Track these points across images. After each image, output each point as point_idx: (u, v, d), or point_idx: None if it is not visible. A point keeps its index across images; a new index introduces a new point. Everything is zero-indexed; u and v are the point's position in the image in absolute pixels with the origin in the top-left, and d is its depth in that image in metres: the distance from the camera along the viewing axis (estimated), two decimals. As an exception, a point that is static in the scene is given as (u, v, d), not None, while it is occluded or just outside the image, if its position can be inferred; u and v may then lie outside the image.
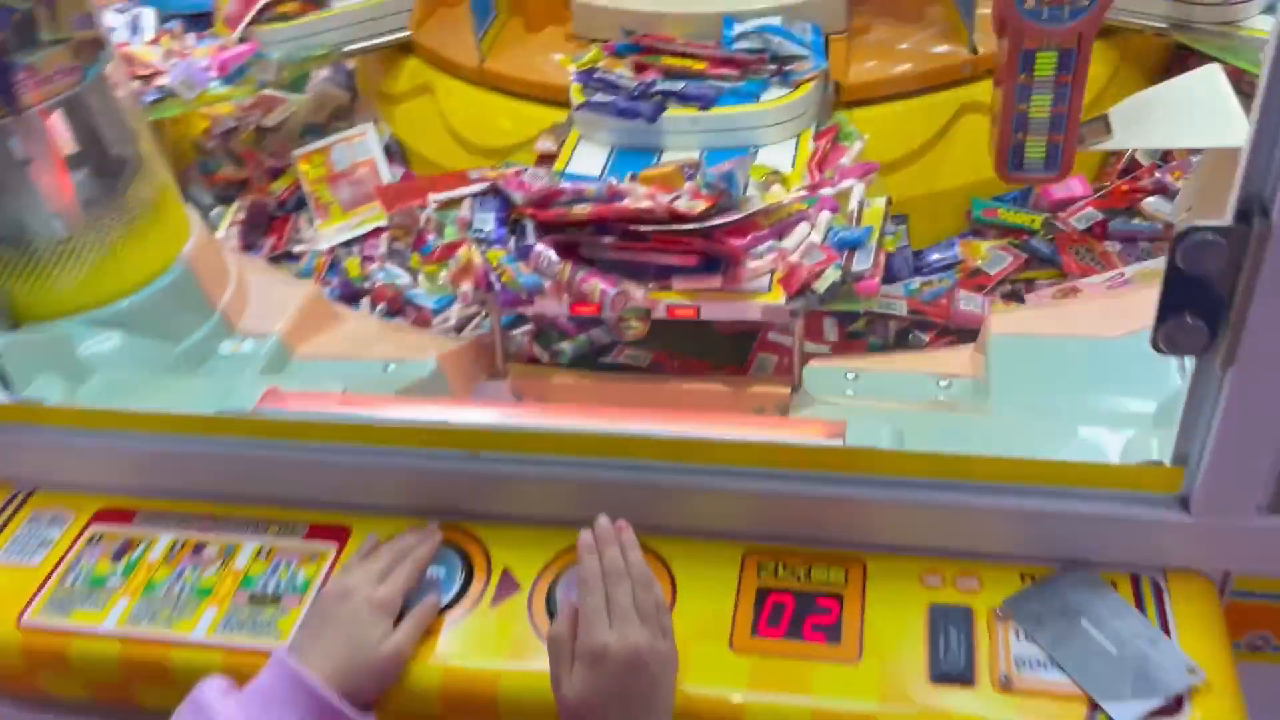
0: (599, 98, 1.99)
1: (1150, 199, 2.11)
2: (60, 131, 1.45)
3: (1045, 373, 1.40)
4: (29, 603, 1.20)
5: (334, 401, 1.35)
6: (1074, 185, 2.16)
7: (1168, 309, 0.90)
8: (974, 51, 2.14)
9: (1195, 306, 0.89)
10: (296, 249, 2.26)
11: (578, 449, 1.16)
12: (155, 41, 2.61)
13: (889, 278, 1.97)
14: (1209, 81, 1.92)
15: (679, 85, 1.98)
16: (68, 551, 1.25)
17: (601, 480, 1.15)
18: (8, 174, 1.42)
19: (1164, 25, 2.20)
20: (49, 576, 1.23)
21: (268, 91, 2.60)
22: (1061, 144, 1.84)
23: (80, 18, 1.41)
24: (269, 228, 2.33)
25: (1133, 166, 2.23)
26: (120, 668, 1.15)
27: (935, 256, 2.08)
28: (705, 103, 1.94)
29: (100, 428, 1.28)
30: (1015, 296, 1.99)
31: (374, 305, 2.07)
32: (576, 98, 2.01)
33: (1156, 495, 1.03)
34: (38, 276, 1.49)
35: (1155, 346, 0.92)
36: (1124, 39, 2.28)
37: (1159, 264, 1.95)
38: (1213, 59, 2.20)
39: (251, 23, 2.48)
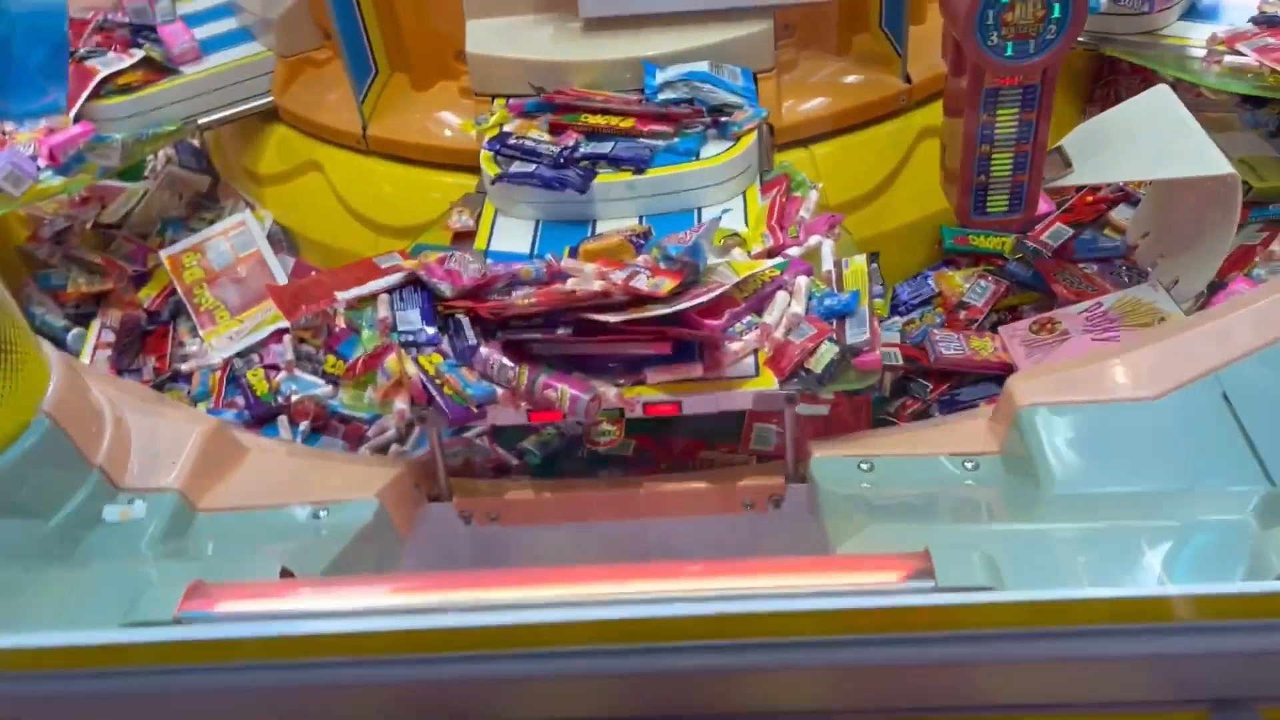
0: (517, 168, 1.74)
1: (1117, 208, 2.03)
2: None
3: (1096, 450, 1.24)
4: None
5: (275, 591, 1.07)
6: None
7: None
8: (908, 80, 2.01)
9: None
10: (184, 367, 1.94)
11: (594, 636, 0.92)
12: (-39, 133, 2.23)
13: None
14: (1162, 102, 1.83)
15: (607, 147, 1.75)
16: (-62, 846, 0.94)
17: (615, 672, 0.92)
18: None
19: (1087, 40, 2.12)
20: None
21: (103, 181, 2.25)
22: (1026, 184, 1.73)
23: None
24: (144, 345, 1.99)
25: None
26: None
27: (908, 294, 1.94)
28: (640, 165, 1.72)
29: (-33, 671, 0.97)
30: (996, 326, 1.89)
31: (294, 425, 1.77)
32: (490, 169, 1.76)
33: (1321, 619, 0.87)
34: None
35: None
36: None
37: (1137, 292, 1.87)
38: (1143, 69, 2.14)
39: (88, 99, 2.12)
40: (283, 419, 1.79)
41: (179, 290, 2.00)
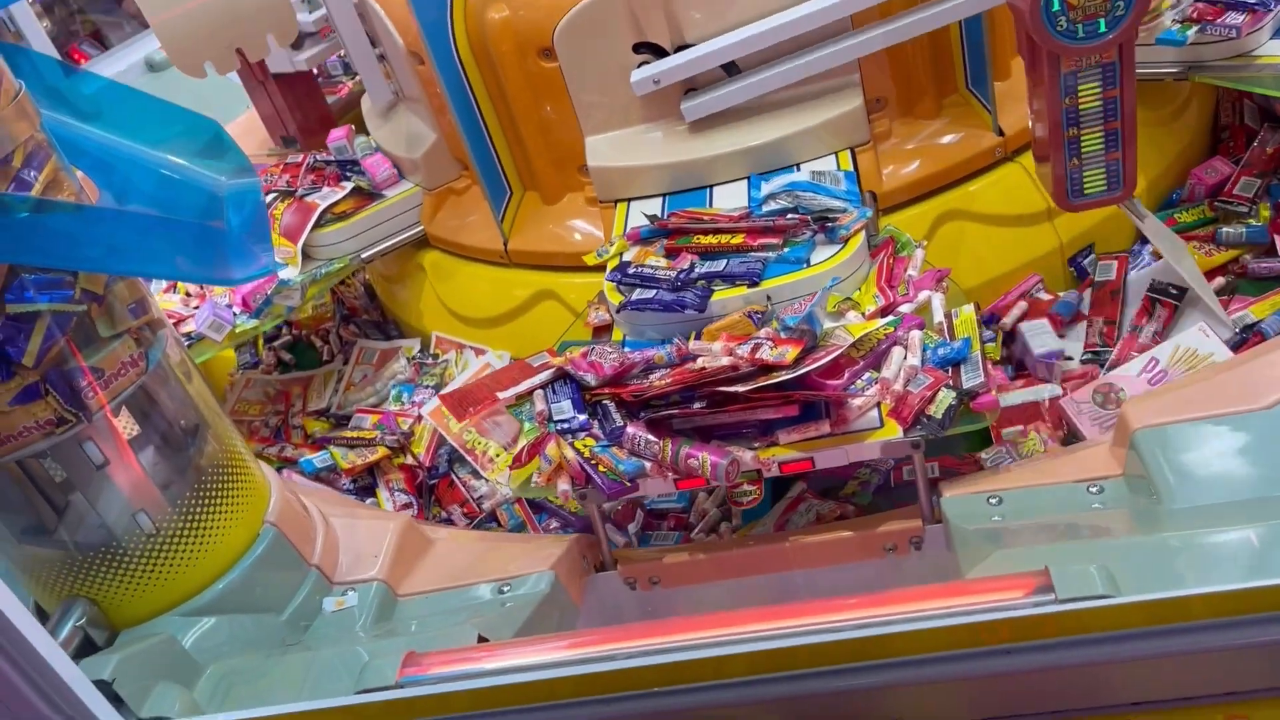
0: (639, 295, 1.85)
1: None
2: (130, 424, 1.38)
3: (1212, 463, 1.31)
4: None
5: (477, 655, 1.24)
6: (1216, 166, 2.24)
7: None
8: (1000, 133, 2.12)
9: None
10: (487, 506, 2.08)
11: (764, 666, 1.05)
12: (171, 289, 2.58)
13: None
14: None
15: (721, 265, 1.85)
16: None
17: (798, 694, 1.05)
18: (85, 481, 1.35)
19: (1178, 69, 2.18)
20: None
21: (288, 376, 2.64)
22: (1121, 160, 1.77)
23: (135, 305, 1.36)
24: (435, 497, 2.14)
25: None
26: None
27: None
28: (754, 278, 1.81)
29: (238, 738, 1.17)
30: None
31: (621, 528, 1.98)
32: (614, 298, 1.88)
33: None
34: (130, 578, 1.40)
35: None
36: (1142, 91, 2.24)
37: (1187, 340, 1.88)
38: (1240, 93, 2.18)
39: (312, 229, 2.43)
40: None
41: (452, 442, 2.11)
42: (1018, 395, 1.94)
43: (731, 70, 2.08)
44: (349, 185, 2.53)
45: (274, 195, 2.54)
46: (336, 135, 2.59)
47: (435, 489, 2.09)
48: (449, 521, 2.07)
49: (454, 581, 1.61)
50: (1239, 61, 2.15)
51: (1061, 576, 1.06)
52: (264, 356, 2.75)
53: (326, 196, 2.49)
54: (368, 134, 2.67)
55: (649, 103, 2.12)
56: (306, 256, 2.45)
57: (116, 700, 1.25)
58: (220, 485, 1.48)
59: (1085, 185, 1.78)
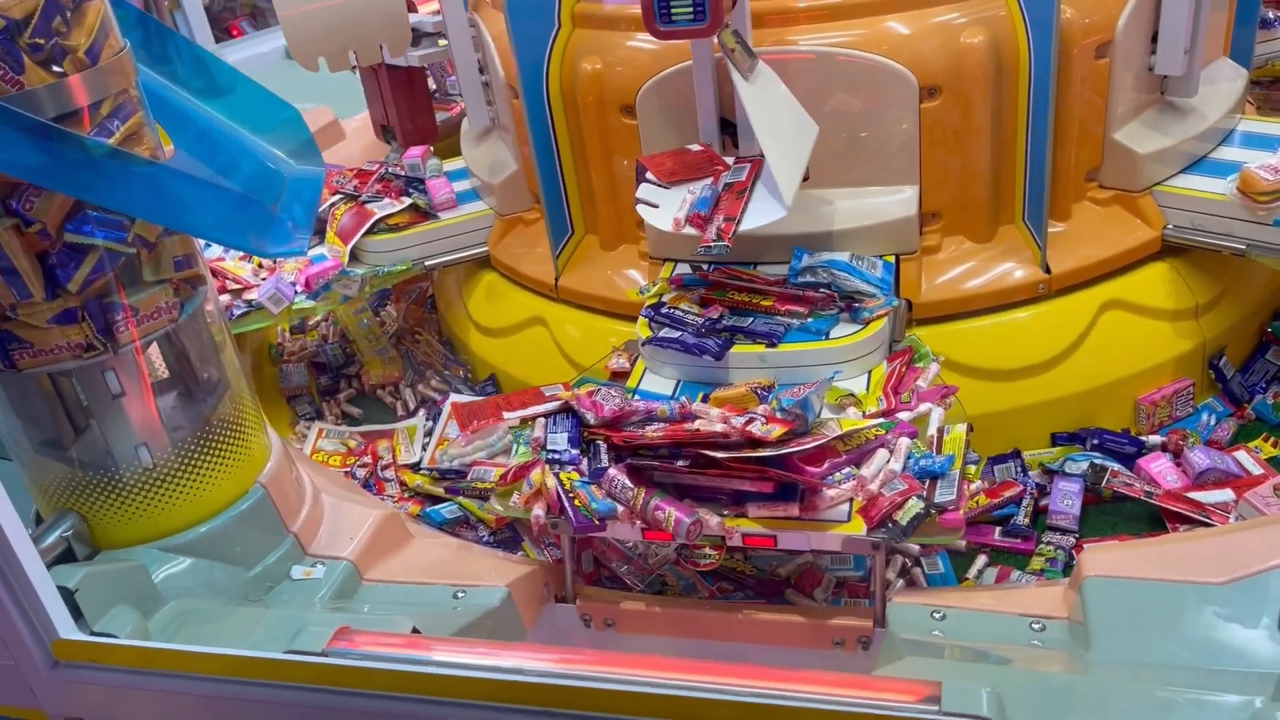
0: (666, 333, 1.98)
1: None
2: (154, 364, 1.50)
3: (1146, 622, 1.32)
4: None
5: (403, 643, 1.31)
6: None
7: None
8: (1046, 270, 2.15)
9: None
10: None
11: (653, 710, 1.10)
12: (247, 256, 2.73)
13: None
14: None
15: (747, 321, 1.97)
16: (125, 802, 1.21)
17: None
18: (100, 406, 1.46)
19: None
20: (104, 830, 1.18)
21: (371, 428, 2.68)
22: None
23: (181, 259, 1.48)
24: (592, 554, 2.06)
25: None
26: None
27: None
28: (773, 339, 1.92)
29: (164, 669, 1.26)
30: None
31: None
32: (643, 332, 2.01)
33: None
34: (119, 505, 1.51)
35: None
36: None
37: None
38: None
39: (364, 235, 2.58)
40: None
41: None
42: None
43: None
44: (407, 201, 2.67)
45: (340, 197, 2.70)
46: (413, 153, 2.75)
47: (590, 544, 2.02)
48: (618, 580, 1.99)
49: (416, 577, 1.68)
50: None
51: (952, 691, 1.09)
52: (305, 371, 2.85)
53: (385, 207, 2.65)
54: (446, 158, 2.82)
55: (713, 174, 2.20)
56: (354, 258, 2.61)
57: (76, 610, 1.35)
58: (223, 440, 1.59)
59: (674, 12, 1.82)
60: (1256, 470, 2.05)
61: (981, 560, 1.98)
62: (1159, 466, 2.07)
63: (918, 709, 1.07)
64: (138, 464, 1.50)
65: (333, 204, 2.68)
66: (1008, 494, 2.08)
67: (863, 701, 1.08)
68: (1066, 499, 2.03)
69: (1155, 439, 2.17)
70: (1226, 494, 1.96)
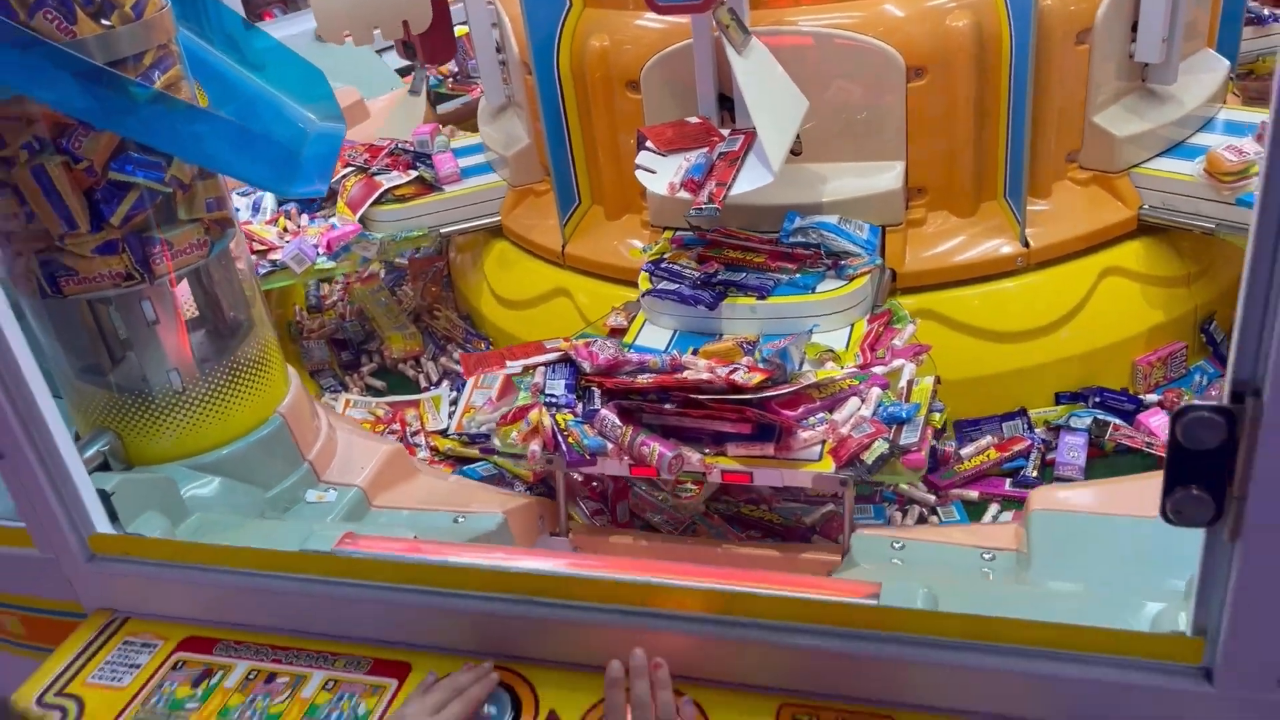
0: (664, 285, 2.13)
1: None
2: (185, 297, 1.64)
3: (1083, 549, 1.44)
4: (113, 721, 1.29)
5: (404, 546, 1.45)
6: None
7: (1174, 481, 0.96)
8: (1026, 245, 2.27)
9: (1201, 480, 0.95)
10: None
11: (624, 598, 1.23)
12: (273, 221, 2.88)
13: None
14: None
15: (739, 276, 2.12)
16: (153, 676, 1.35)
17: (647, 629, 1.22)
18: (137, 333, 1.61)
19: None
20: (134, 698, 1.32)
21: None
22: None
23: (213, 200, 1.62)
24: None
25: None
26: (190, 790, 1.23)
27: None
28: (763, 292, 2.07)
29: (190, 561, 1.40)
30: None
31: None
32: (643, 284, 2.17)
33: (1180, 666, 1.06)
34: (151, 423, 1.65)
35: (1165, 517, 0.98)
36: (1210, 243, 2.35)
37: None
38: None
39: (372, 204, 2.73)
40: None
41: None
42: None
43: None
44: (414, 174, 2.81)
45: (351, 169, 2.85)
46: (422, 130, 2.91)
47: (624, 495, 2.13)
48: (651, 529, 2.09)
49: (420, 505, 1.82)
50: None
51: (891, 589, 1.22)
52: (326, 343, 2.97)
53: (392, 179, 2.79)
54: (468, 134, 2.96)
55: (711, 147, 2.33)
56: (364, 226, 2.75)
57: (112, 513, 1.49)
58: (246, 372, 1.73)
59: None
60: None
61: (994, 509, 2.09)
62: (1157, 421, 2.19)
63: (858, 601, 1.20)
64: (169, 388, 1.65)
65: (344, 176, 2.83)
66: (1016, 448, 2.19)
67: (811, 595, 1.21)
68: (1073, 451, 2.15)
69: (1152, 397, 2.30)
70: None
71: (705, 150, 2.13)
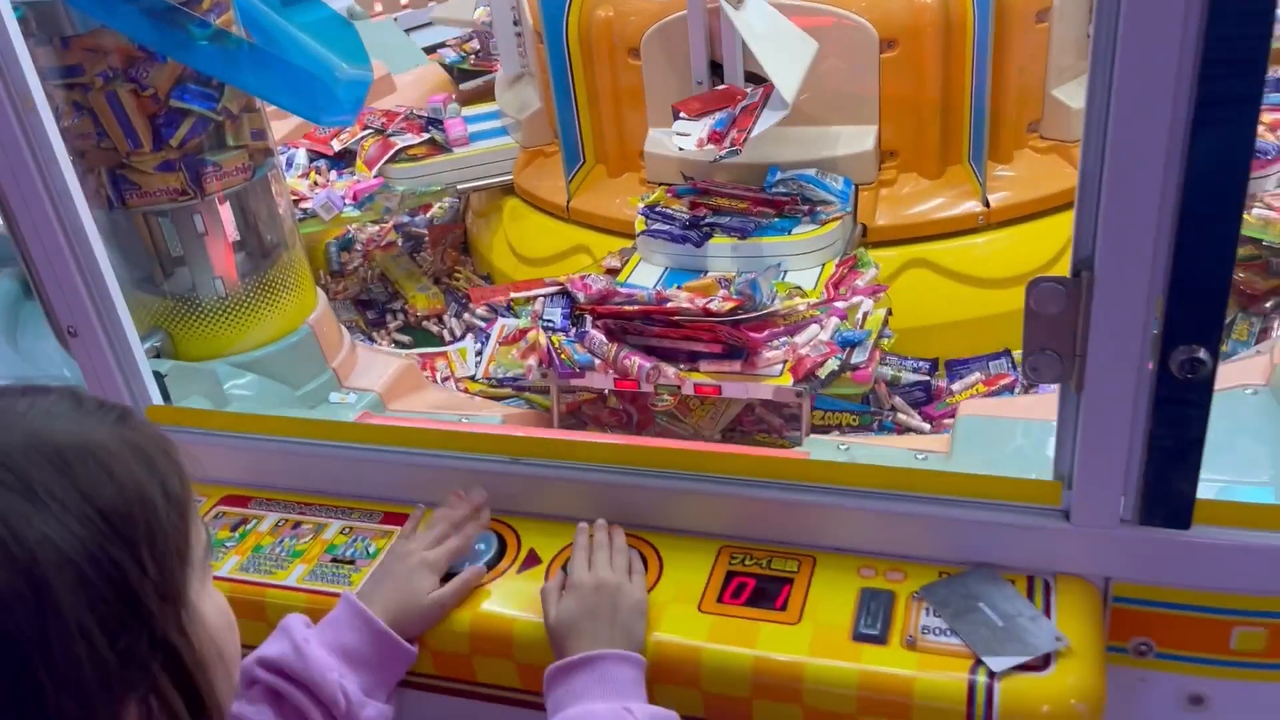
0: (657, 227, 2.38)
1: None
2: (231, 215, 1.89)
3: (998, 446, 1.66)
4: (164, 554, 1.54)
5: (416, 420, 1.69)
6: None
7: (1031, 343, 1.18)
8: (986, 205, 2.49)
9: (1051, 342, 1.18)
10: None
11: (593, 456, 1.47)
12: (305, 176, 3.14)
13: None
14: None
15: (724, 219, 2.36)
16: (197, 523, 1.59)
17: (611, 484, 1.45)
18: (188, 243, 1.86)
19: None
20: (181, 538, 1.57)
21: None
22: None
23: (256, 131, 1.87)
24: None
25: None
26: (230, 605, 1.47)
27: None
28: (744, 233, 2.31)
29: (230, 430, 1.64)
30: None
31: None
32: (639, 226, 2.41)
33: (1045, 508, 1.28)
34: (197, 324, 1.90)
35: (1025, 375, 1.21)
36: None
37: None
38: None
39: (387, 162, 2.99)
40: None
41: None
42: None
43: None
44: (426, 136, 3.07)
45: (370, 131, 3.11)
46: (436, 98, 3.16)
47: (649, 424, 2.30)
48: None
49: (430, 408, 2.07)
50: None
51: (817, 452, 1.45)
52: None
53: (406, 140, 3.05)
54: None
55: (703, 110, 2.57)
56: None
57: (165, 393, 1.74)
58: (279, 285, 1.98)
59: None
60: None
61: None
62: None
63: (787, 456, 1.43)
64: (214, 293, 1.90)
65: (362, 137, 3.09)
66: (1001, 383, 2.40)
67: (752, 455, 1.44)
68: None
69: None
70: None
71: (730, 108, 2.35)
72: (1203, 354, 1.10)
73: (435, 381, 2.67)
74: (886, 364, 2.29)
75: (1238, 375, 1.76)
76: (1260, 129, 2.26)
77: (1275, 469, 1.61)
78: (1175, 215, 1.04)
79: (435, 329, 3.00)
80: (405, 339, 2.98)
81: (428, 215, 3.26)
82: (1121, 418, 1.18)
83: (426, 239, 3.38)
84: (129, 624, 0.66)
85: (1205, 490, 1.26)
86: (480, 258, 3.22)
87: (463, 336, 2.95)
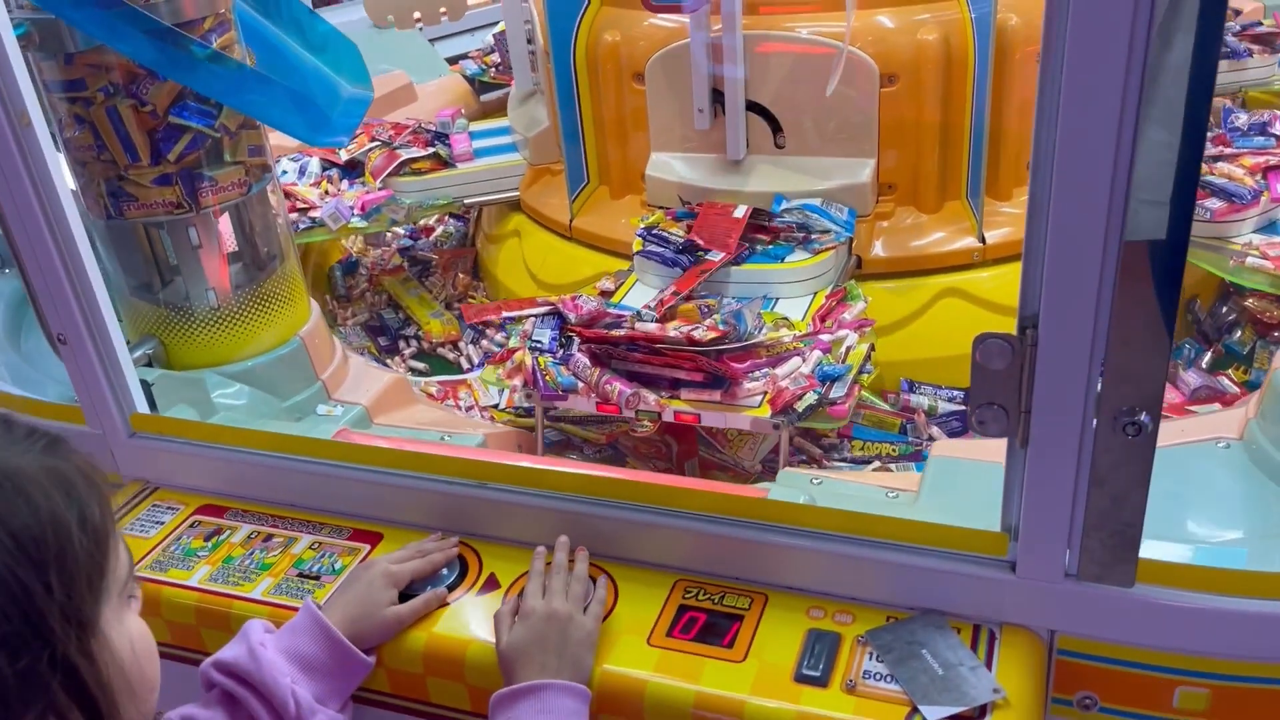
0: (652, 248, 2.41)
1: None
2: (226, 228, 1.94)
3: (964, 488, 1.67)
4: (139, 561, 1.57)
5: (384, 440, 1.72)
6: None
7: (978, 397, 1.20)
8: (982, 241, 2.49)
9: (998, 396, 1.19)
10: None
11: (558, 485, 1.49)
12: (316, 184, 3.19)
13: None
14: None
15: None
16: (173, 531, 1.63)
17: (573, 512, 1.48)
18: (182, 255, 1.90)
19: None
20: (157, 545, 1.60)
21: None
22: None
23: (254, 148, 1.91)
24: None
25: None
26: (195, 615, 1.50)
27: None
28: (738, 259, 2.33)
29: (211, 441, 1.68)
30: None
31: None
32: (636, 247, 2.44)
33: (992, 558, 1.29)
34: (190, 334, 1.94)
35: (973, 428, 1.22)
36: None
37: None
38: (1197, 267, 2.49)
39: (390, 174, 3.03)
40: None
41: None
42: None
43: (775, 126, 2.54)
44: (430, 150, 3.11)
45: (378, 144, 3.15)
46: (444, 112, 3.20)
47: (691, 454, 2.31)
48: None
49: (414, 425, 2.10)
50: (1216, 243, 2.45)
51: (777, 491, 1.46)
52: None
53: (410, 153, 3.10)
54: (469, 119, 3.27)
55: (704, 136, 2.59)
56: None
57: (151, 401, 1.79)
58: (273, 298, 2.02)
59: None
60: (1234, 390, 2.40)
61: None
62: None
63: (745, 494, 1.45)
64: (206, 305, 1.94)
65: (369, 149, 3.14)
66: None
67: (714, 492, 1.46)
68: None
69: None
70: (1214, 407, 2.29)
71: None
72: (1144, 417, 1.12)
73: (459, 410, 2.61)
74: (922, 393, 2.32)
75: (1212, 428, 1.76)
76: (1240, 173, 2.27)
77: (1243, 527, 1.61)
78: (1115, 280, 1.06)
79: (451, 356, 2.92)
80: (421, 366, 2.91)
81: (430, 239, 3.30)
82: (1065, 473, 1.19)
83: (435, 263, 3.36)
84: (31, 644, 0.69)
85: (1164, 549, 1.27)
86: (494, 282, 3.21)
87: (480, 364, 2.83)
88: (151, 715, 0.84)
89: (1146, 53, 0.96)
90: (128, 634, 0.81)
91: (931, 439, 2.24)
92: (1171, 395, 2.38)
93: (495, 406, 2.63)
